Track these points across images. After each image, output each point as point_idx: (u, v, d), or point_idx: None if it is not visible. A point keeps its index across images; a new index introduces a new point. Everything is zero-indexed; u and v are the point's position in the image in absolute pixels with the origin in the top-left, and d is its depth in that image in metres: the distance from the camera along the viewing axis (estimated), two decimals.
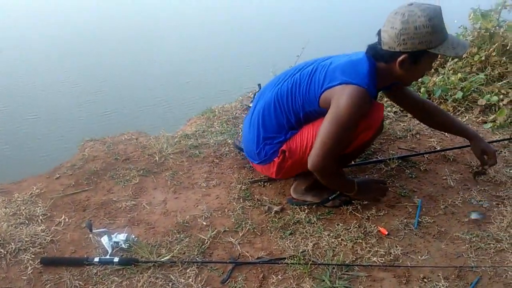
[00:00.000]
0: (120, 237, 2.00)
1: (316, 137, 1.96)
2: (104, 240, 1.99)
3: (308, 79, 2.02)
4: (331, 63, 2.01)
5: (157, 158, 2.64)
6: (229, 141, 2.82)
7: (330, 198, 2.22)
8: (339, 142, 1.95)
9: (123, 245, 1.99)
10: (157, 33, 6.80)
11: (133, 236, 2.03)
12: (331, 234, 2.08)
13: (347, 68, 1.93)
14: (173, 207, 2.27)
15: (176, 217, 2.20)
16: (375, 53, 1.93)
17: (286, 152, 2.09)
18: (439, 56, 2.12)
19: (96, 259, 1.90)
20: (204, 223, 2.16)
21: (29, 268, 1.91)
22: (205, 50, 5.91)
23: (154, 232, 2.11)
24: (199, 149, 2.75)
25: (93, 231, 2.00)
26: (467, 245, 1.99)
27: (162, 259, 1.93)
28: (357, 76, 1.90)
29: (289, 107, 2.07)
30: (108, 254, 1.94)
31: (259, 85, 3.07)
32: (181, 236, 2.08)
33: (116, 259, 1.90)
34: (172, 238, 2.07)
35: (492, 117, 2.96)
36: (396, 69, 1.91)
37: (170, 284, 1.84)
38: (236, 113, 3.26)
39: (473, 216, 2.12)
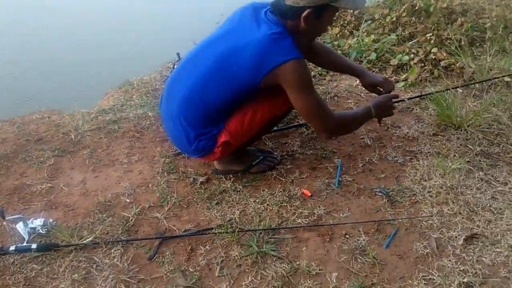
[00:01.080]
0: (37, 222, 1.91)
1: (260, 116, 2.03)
2: (20, 227, 1.89)
3: (229, 68, 1.94)
4: (246, 44, 1.91)
5: (72, 136, 2.53)
6: (150, 113, 2.75)
7: (253, 163, 2.24)
8: (321, 103, 2.02)
9: (40, 231, 1.90)
10: (68, 5, 6.41)
11: (51, 220, 1.95)
12: (257, 200, 2.10)
13: (275, 48, 1.87)
14: (93, 187, 2.20)
15: (97, 197, 2.13)
16: (281, 12, 1.93)
17: (229, 141, 2.04)
18: (340, 10, 2.15)
19: (12, 248, 1.82)
20: (128, 200, 2.11)
21: None
22: (120, 22, 5.65)
23: (74, 214, 2.04)
24: (118, 124, 2.66)
25: (6, 218, 1.90)
26: (384, 200, 2.09)
27: (84, 241, 1.87)
28: (289, 51, 1.88)
29: (215, 99, 2.00)
30: (25, 242, 1.86)
31: (178, 54, 3.00)
32: (104, 216, 2.02)
33: (34, 246, 1.82)
34: (93, 219, 2.01)
35: (404, 76, 3.08)
36: (301, 25, 1.94)
37: (94, 266, 1.79)
38: (156, 84, 3.18)
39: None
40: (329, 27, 2.16)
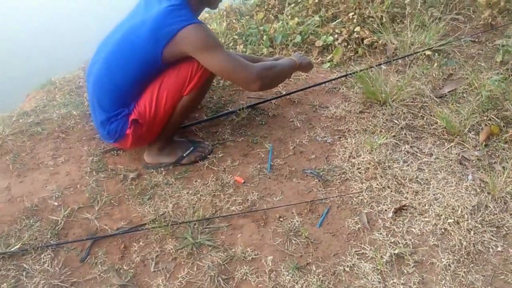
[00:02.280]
0: None
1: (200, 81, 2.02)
2: None
3: (130, 45, 1.96)
4: (144, 20, 1.93)
5: None
6: (74, 112, 2.65)
7: (184, 155, 2.22)
8: (235, 56, 2.02)
9: None
10: None
11: None
12: (190, 192, 2.09)
13: (172, 18, 1.88)
14: (19, 192, 2.10)
15: (23, 202, 2.03)
16: None
17: (138, 120, 2.02)
18: None
19: None
20: (56, 204, 2.03)
21: None
22: (35, 21, 5.37)
23: (0, 222, 1.94)
24: (41, 125, 2.54)
25: None
26: (316, 180, 2.12)
27: (12, 249, 1.80)
28: (186, 19, 1.89)
29: (122, 79, 1.99)
30: None
31: None
32: (31, 221, 1.94)
33: None
34: (21, 226, 1.92)
35: (329, 57, 3.13)
36: None
37: (24, 274, 1.73)
38: (79, 82, 3.06)
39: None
40: None
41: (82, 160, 2.29)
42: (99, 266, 1.76)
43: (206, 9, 2.21)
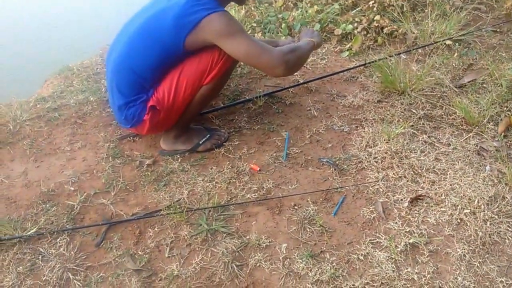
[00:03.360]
0: None
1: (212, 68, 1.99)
2: None
3: (152, 32, 1.95)
4: (168, 7, 1.92)
5: (11, 127, 2.42)
6: (91, 98, 2.67)
7: (200, 142, 2.22)
8: (258, 41, 1.96)
9: None
10: None
11: None
12: (206, 179, 2.08)
13: (196, 6, 1.87)
14: (36, 177, 2.12)
15: (39, 187, 2.06)
16: None
17: (156, 106, 2.02)
18: None
19: None
20: (72, 189, 2.05)
21: None
22: (53, 6, 5.37)
23: (16, 207, 1.97)
24: (59, 111, 2.56)
25: None
26: (332, 169, 2.10)
27: (28, 233, 1.82)
28: (210, 7, 1.87)
29: (142, 65, 1.98)
30: None
31: None
32: (47, 206, 1.96)
33: None
34: (37, 210, 1.94)
35: (348, 45, 3.09)
36: None
37: (40, 257, 1.75)
38: (97, 68, 3.08)
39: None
40: None
41: (99, 146, 2.30)
42: (114, 251, 1.78)
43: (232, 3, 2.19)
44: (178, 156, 2.22)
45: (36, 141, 2.34)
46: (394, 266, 1.68)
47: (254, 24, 3.29)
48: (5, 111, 2.53)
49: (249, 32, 3.23)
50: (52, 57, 3.82)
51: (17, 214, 1.93)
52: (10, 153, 2.27)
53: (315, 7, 3.31)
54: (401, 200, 1.94)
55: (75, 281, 1.67)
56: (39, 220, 1.89)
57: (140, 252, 1.77)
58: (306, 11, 3.31)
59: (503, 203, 1.91)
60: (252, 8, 3.47)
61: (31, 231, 1.83)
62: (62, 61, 3.16)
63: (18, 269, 1.71)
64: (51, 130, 2.42)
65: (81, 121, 2.48)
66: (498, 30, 3.17)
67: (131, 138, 2.34)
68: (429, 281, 1.63)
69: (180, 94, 2.01)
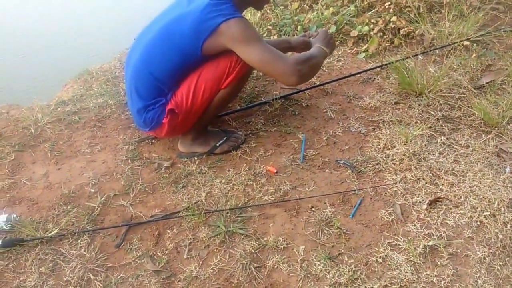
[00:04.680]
0: (0, 218, 1.87)
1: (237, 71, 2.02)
2: None
3: (171, 36, 1.97)
4: (188, 12, 1.94)
5: (32, 130, 2.47)
6: (110, 102, 2.70)
7: (217, 144, 2.23)
8: (274, 49, 1.96)
9: (4, 227, 1.87)
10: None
11: (15, 216, 1.91)
12: (223, 181, 2.10)
13: (214, 12, 1.89)
14: (57, 179, 2.16)
15: (60, 189, 2.09)
16: None
17: (174, 109, 2.04)
18: None
19: None
20: (92, 190, 2.08)
21: None
22: (72, 12, 5.45)
23: (38, 208, 2.00)
24: (79, 114, 2.61)
25: None
26: (349, 171, 2.10)
27: (50, 234, 1.85)
28: (228, 13, 1.89)
29: (161, 69, 2.01)
30: None
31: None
32: (68, 207, 1.99)
33: None
34: (58, 211, 1.98)
35: (364, 47, 3.08)
36: None
37: (61, 258, 1.77)
38: (115, 72, 3.11)
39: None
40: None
41: (118, 149, 2.33)
42: (134, 252, 1.80)
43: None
44: (196, 158, 2.23)
45: (57, 144, 2.38)
46: (413, 269, 1.67)
47: (270, 27, 3.30)
48: (26, 114, 2.58)
49: (264, 35, 3.25)
50: (71, 61, 3.88)
51: (39, 216, 1.96)
52: (31, 156, 2.31)
53: (331, 9, 3.31)
54: (420, 202, 1.94)
55: (95, 281, 1.69)
56: (60, 221, 1.92)
57: (159, 253, 1.79)
58: (322, 13, 3.31)
59: None
60: (268, 11, 3.48)
61: (53, 232, 1.86)
62: (81, 64, 3.21)
63: (40, 269, 1.74)
64: (71, 133, 2.46)
65: (100, 124, 2.52)
66: None
67: (150, 140, 2.37)
68: (449, 284, 1.63)
69: (198, 98, 2.03)
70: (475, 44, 2.97)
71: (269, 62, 1.94)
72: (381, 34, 3.13)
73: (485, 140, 2.24)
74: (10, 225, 1.88)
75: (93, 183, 2.12)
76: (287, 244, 1.79)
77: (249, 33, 1.92)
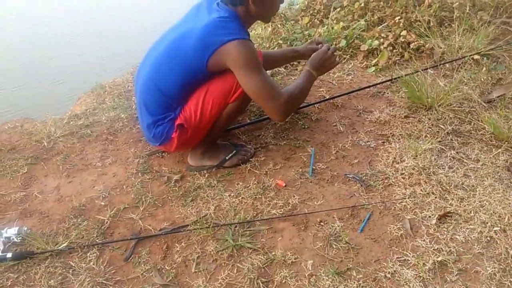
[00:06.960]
0: (11, 231, 1.90)
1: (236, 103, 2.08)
2: None
3: (178, 52, 2.00)
4: (194, 28, 1.97)
5: (45, 143, 2.51)
6: (122, 115, 2.74)
7: (227, 158, 2.25)
8: (270, 84, 2.00)
9: (15, 239, 1.89)
10: (31, 11, 6.25)
11: (26, 228, 1.94)
12: (232, 194, 2.11)
13: (220, 30, 1.91)
14: (68, 192, 2.18)
15: (71, 202, 2.12)
16: (230, 0, 1.98)
17: (183, 124, 2.07)
18: None
19: None
20: (102, 203, 2.10)
21: None
22: (84, 26, 5.52)
23: (49, 221, 2.03)
24: (91, 128, 2.64)
25: None
26: (358, 185, 2.10)
27: (60, 247, 1.87)
28: (234, 32, 1.92)
29: (169, 85, 2.04)
30: (0, 251, 1.84)
31: None
32: (79, 220, 2.02)
33: (9, 255, 1.81)
34: (68, 224, 2.00)
35: (374, 61, 3.09)
36: (252, 8, 2.00)
37: (71, 271, 1.79)
38: (128, 86, 3.16)
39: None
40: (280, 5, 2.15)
41: (129, 162, 2.36)
42: (142, 265, 1.81)
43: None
44: (205, 172, 2.25)
45: (69, 157, 2.41)
46: (422, 285, 1.66)
47: (281, 41, 3.32)
48: (40, 128, 2.62)
49: (275, 49, 3.26)
50: (85, 75, 3.94)
51: (49, 228, 1.99)
52: (44, 169, 2.35)
53: (341, 23, 3.34)
54: (429, 217, 1.92)
55: None
56: (70, 234, 1.94)
57: (167, 267, 1.80)
58: (332, 28, 3.33)
59: None
60: (279, 26, 3.51)
61: (63, 245, 1.88)
62: (95, 78, 3.26)
63: (49, 282, 1.75)
64: (83, 146, 2.49)
65: (112, 138, 2.55)
66: None
67: (160, 154, 2.39)
68: None
69: (206, 113, 2.05)
70: (485, 58, 2.96)
71: (263, 96, 2.00)
72: (391, 48, 3.14)
73: (495, 154, 2.22)
74: (20, 237, 1.90)
75: (103, 196, 2.15)
76: (295, 259, 1.78)
77: (251, 61, 1.94)
